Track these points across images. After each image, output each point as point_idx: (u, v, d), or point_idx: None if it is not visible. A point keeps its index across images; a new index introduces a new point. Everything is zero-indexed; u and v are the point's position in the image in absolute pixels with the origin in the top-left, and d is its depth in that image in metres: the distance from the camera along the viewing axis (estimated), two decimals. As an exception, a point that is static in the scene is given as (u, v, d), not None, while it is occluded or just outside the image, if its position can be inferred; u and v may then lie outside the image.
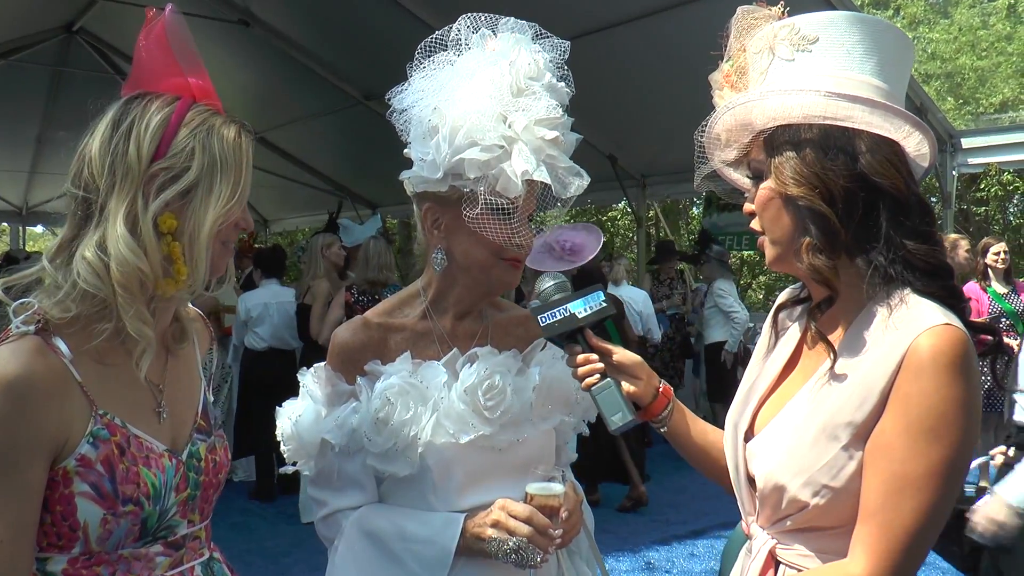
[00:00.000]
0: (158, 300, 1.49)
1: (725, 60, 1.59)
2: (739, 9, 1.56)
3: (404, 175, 1.81)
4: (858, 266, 1.38)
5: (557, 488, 1.72)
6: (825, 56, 1.42)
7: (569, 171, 1.76)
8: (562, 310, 1.67)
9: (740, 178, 1.59)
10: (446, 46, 1.79)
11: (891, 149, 1.38)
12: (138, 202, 1.43)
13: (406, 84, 1.79)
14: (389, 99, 1.80)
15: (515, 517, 1.68)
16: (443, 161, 1.68)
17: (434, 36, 1.79)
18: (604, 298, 1.67)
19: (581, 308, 1.66)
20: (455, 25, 1.79)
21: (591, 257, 5.91)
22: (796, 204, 1.39)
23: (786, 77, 1.44)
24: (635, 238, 14.34)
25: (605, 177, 10.20)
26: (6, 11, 8.98)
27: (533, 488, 1.72)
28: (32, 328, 1.39)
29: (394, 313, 1.88)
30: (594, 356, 1.65)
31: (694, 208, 21.64)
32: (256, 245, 17.17)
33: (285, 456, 1.89)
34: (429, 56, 1.79)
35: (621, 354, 1.69)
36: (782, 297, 1.70)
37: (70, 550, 1.41)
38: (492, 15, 1.79)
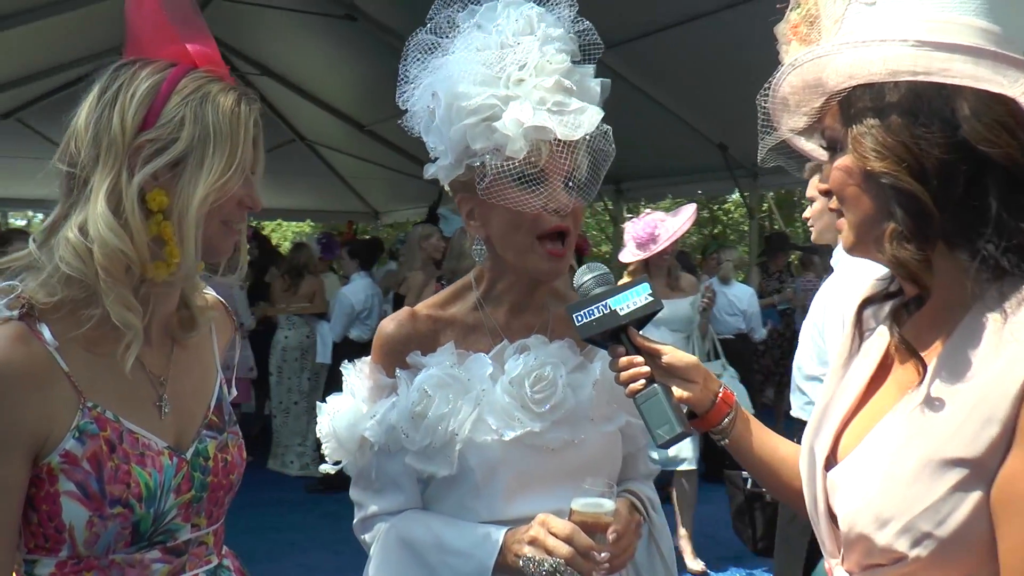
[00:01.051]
0: (150, 285, 1.39)
1: (792, 7, 1.33)
2: None
3: (428, 170, 1.69)
4: (958, 258, 1.12)
5: (606, 504, 1.53)
6: None
7: (579, 111, 1.56)
8: (601, 306, 1.49)
9: (814, 148, 1.35)
10: (439, 34, 1.67)
11: (1004, 109, 1.09)
12: (122, 177, 1.32)
13: (404, 83, 1.68)
14: (397, 104, 1.68)
15: (555, 535, 1.50)
16: (448, 142, 1.57)
17: (428, 25, 1.67)
18: (651, 291, 1.49)
19: (624, 303, 1.48)
20: (441, 13, 1.67)
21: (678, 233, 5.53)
22: (879, 182, 1.14)
23: (866, 25, 1.17)
24: (747, 230, 13.84)
25: (715, 167, 9.91)
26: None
27: (578, 503, 1.53)
28: (16, 313, 1.29)
29: (446, 305, 1.77)
30: (639, 358, 1.46)
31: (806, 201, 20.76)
32: (362, 236, 17.52)
33: (326, 455, 1.78)
34: (424, 48, 1.67)
35: (672, 355, 1.48)
36: (866, 290, 1.41)
37: (57, 553, 1.32)
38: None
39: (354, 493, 1.76)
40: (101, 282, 1.30)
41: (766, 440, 1.52)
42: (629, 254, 5.58)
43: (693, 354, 1.73)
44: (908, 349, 1.17)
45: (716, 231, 24.39)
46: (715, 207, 21.24)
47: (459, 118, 1.53)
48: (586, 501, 1.53)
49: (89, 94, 1.36)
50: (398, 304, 6.85)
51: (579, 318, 1.49)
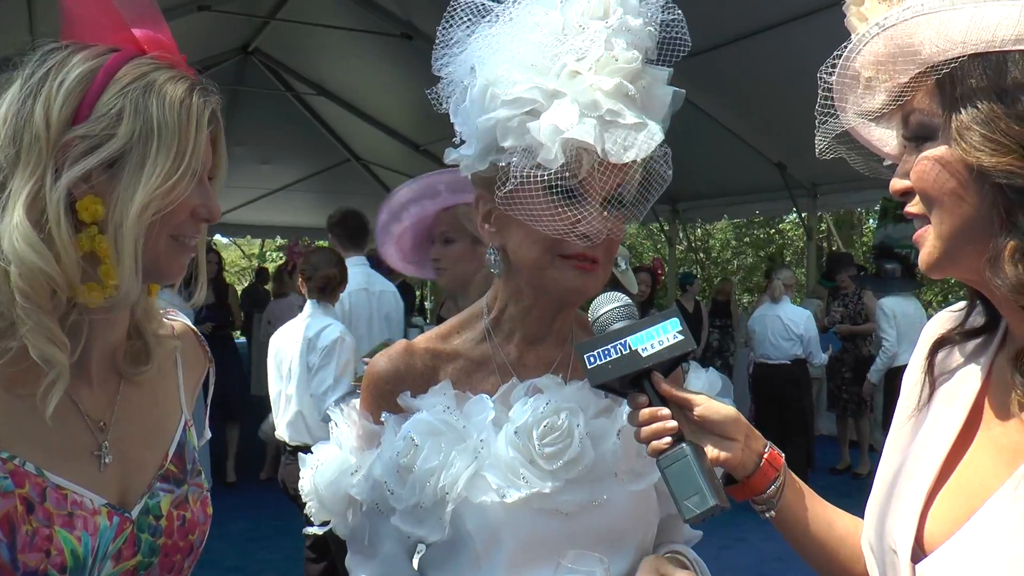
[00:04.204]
0: (85, 311, 1.17)
1: None
2: None
3: (449, 155, 1.41)
4: None
5: None
6: None
7: (636, 128, 1.27)
8: (620, 346, 1.21)
9: (884, 138, 1.09)
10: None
11: None
12: (46, 182, 1.10)
13: (443, 47, 1.40)
14: (434, 65, 1.42)
15: None
16: (475, 131, 1.31)
17: None
18: (681, 327, 1.21)
19: (647, 343, 1.20)
20: None
21: None
22: (991, 182, 0.90)
23: None
24: (805, 251, 13.54)
25: (774, 186, 9.76)
26: (191, 35, 9.51)
27: None
28: None
29: (449, 336, 1.50)
30: (665, 410, 1.19)
31: (870, 219, 20.25)
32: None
33: (310, 515, 1.52)
34: (473, 11, 1.39)
35: (706, 406, 1.21)
36: (939, 326, 1.16)
37: None
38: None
39: (349, 560, 1.51)
40: (18, 309, 1.09)
41: (820, 513, 1.25)
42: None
43: None
44: None
45: (773, 252, 23.97)
46: (771, 230, 20.77)
47: (492, 106, 1.28)
48: None
49: (11, 83, 1.15)
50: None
51: (591, 359, 1.21)
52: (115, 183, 1.13)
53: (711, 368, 1.50)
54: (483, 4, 1.37)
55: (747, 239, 25.29)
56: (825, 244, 14.60)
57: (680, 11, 1.35)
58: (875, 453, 8.54)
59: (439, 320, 6.78)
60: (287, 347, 4.62)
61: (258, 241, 26.29)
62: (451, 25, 1.38)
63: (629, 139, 1.26)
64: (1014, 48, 0.88)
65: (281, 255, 17.51)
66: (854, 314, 8.83)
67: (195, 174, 1.18)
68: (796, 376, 7.70)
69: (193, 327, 1.49)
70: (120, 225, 1.12)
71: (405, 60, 10.01)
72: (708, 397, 1.24)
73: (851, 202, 11.00)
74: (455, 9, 1.38)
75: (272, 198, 14.50)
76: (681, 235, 13.57)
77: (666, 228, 12.29)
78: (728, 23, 7.21)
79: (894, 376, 7.73)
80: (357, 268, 5.36)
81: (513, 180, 1.27)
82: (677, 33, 1.35)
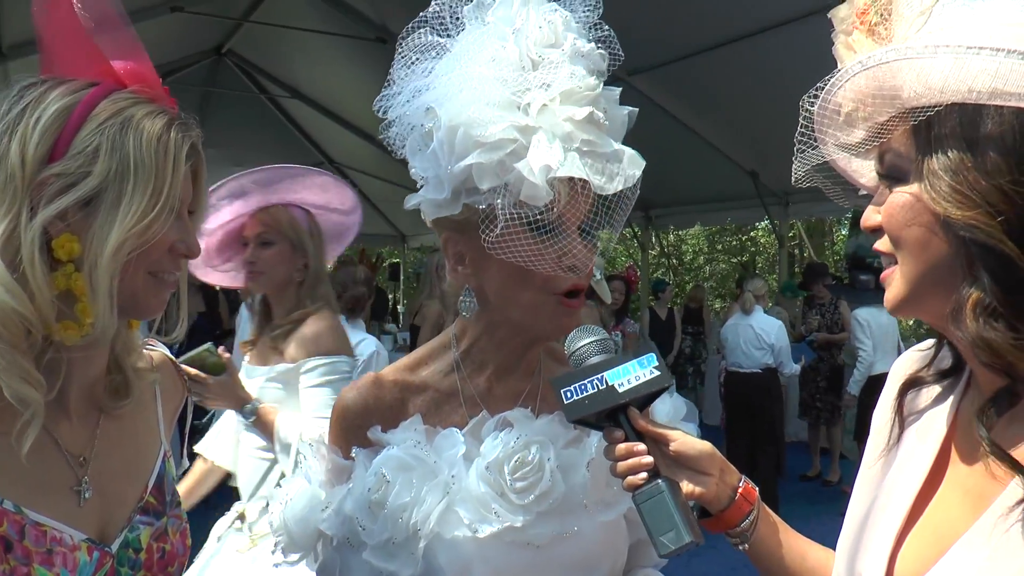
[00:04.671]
0: (62, 349, 1.16)
1: None
2: None
3: (410, 200, 1.40)
4: None
5: None
6: None
7: (614, 157, 1.28)
8: (596, 381, 1.21)
9: (861, 169, 1.09)
10: (436, 30, 1.38)
11: None
12: (21, 220, 1.09)
13: (389, 85, 1.38)
14: (377, 110, 1.39)
15: None
16: (447, 175, 1.29)
17: (420, 17, 1.37)
18: (657, 363, 1.22)
19: (623, 378, 1.21)
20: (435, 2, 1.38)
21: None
22: (957, 234, 0.90)
23: (967, 24, 0.91)
24: (777, 258, 13.68)
25: (746, 194, 9.81)
26: (164, 36, 9.43)
27: None
28: None
29: (417, 368, 1.48)
30: (641, 446, 1.19)
31: (840, 228, 20.49)
32: (393, 261, 17.49)
33: (281, 551, 1.51)
34: (419, 48, 1.37)
35: (682, 441, 1.21)
36: (908, 366, 1.15)
37: None
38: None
39: None
40: None
41: (794, 545, 1.25)
42: None
43: None
44: (1004, 460, 0.90)
45: (745, 259, 24.17)
46: (743, 237, 20.96)
47: (465, 149, 1.25)
48: None
49: None
50: (414, 335, 6.71)
51: (568, 394, 1.21)
52: (91, 221, 1.12)
53: (676, 394, 1.51)
54: (428, 42, 1.37)
55: (720, 246, 25.51)
56: (797, 251, 14.74)
57: (609, 28, 1.36)
58: (846, 460, 8.65)
59: (412, 328, 6.73)
60: None
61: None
62: (398, 66, 1.37)
63: (610, 168, 1.27)
64: (989, 102, 0.87)
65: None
66: (831, 323, 8.90)
67: (172, 210, 1.17)
68: (767, 385, 7.73)
69: (171, 356, 1.47)
70: (95, 264, 1.11)
71: (379, 64, 9.95)
72: (683, 432, 1.24)
73: (822, 211, 11.12)
74: (399, 50, 1.37)
75: (244, 201, 14.41)
76: (654, 240, 13.64)
77: (639, 234, 12.36)
78: (703, 32, 7.26)
79: (870, 385, 7.85)
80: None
81: (502, 223, 1.26)
82: (611, 50, 1.35)
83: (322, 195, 2.88)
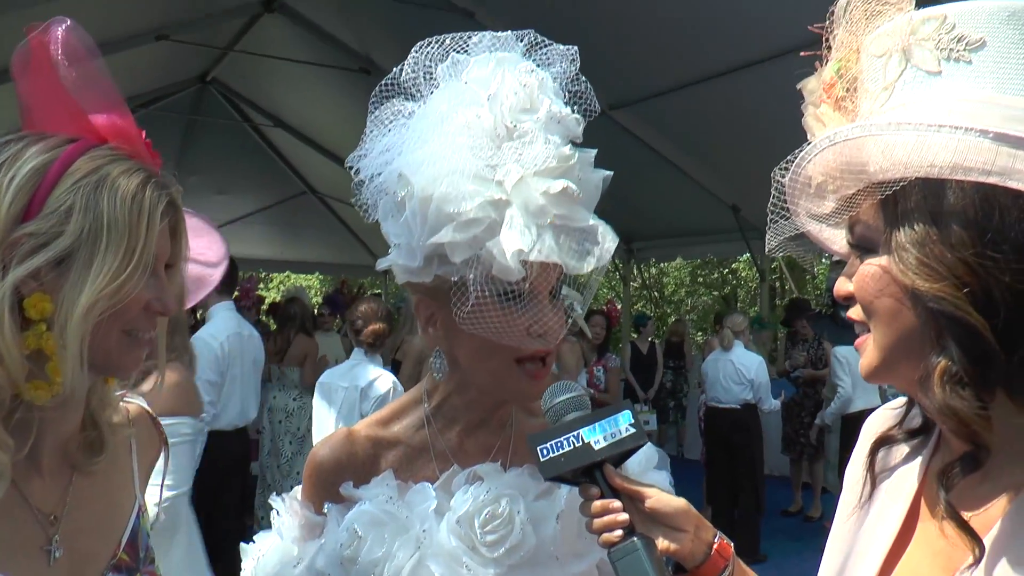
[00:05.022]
0: (32, 408, 1.13)
1: (829, 61, 1.07)
2: None
3: (381, 263, 1.41)
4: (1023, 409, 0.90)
5: None
6: (994, 72, 0.92)
7: (587, 234, 1.30)
8: (572, 438, 1.22)
9: (833, 237, 1.11)
10: (408, 92, 1.38)
11: None
12: None
13: (361, 146, 1.38)
14: (349, 166, 1.40)
15: None
16: (419, 244, 1.30)
17: (392, 75, 1.37)
18: (633, 421, 1.24)
19: (599, 435, 1.22)
20: (411, 57, 1.36)
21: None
22: (925, 305, 0.91)
23: (928, 101, 0.93)
24: (759, 292, 13.75)
25: (727, 228, 9.85)
26: (149, 64, 9.45)
27: None
28: None
29: (389, 422, 1.49)
30: (616, 503, 1.19)
31: (822, 260, 20.64)
32: (375, 292, 17.39)
33: None
34: (392, 114, 1.37)
35: (656, 498, 1.22)
36: (879, 424, 1.17)
37: None
38: (463, 33, 1.37)
39: None
40: None
41: None
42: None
43: None
44: (961, 527, 0.91)
45: (726, 292, 24.28)
46: (724, 270, 21.08)
47: (440, 223, 1.26)
48: None
49: None
50: (396, 370, 6.60)
51: (544, 451, 1.22)
52: (63, 280, 1.09)
53: (648, 443, 1.54)
54: (398, 107, 1.37)
55: (701, 279, 25.62)
56: (779, 285, 14.82)
57: (587, 81, 1.36)
58: (828, 495, 8.61)
59: (394, 363, 6.65)
60: (335, 394, 4.80)
61: (211, 272, 25.99)
62: (370, 130, 1.37)
63: (584, 246, 1.29)
64: (951, 176, 0.89)
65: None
66: (815, 359, 8.91)
67: (147, 269, 1.15)
68: (746, 421, 7.70)
69: (148, 408, 1.45)
70: (66, 324, 1.08)
71: (363, 94, 9.94)
72: (658, 488, 1.24)
73: (804, 245, 11.20)
74: (371, 113, 1.37)
75: (226, 229, 14.31)
76: (636, 273, 13.68)
77: (620, 267, 12.39)
78: (683, 69, 7.34)
79: (851, 422, 7.85)
80: (228, 312, 5.59)
81: (474, 296, 1.27)
82: (587, 105, 1.35)
83: (192, 240, 2.71)
